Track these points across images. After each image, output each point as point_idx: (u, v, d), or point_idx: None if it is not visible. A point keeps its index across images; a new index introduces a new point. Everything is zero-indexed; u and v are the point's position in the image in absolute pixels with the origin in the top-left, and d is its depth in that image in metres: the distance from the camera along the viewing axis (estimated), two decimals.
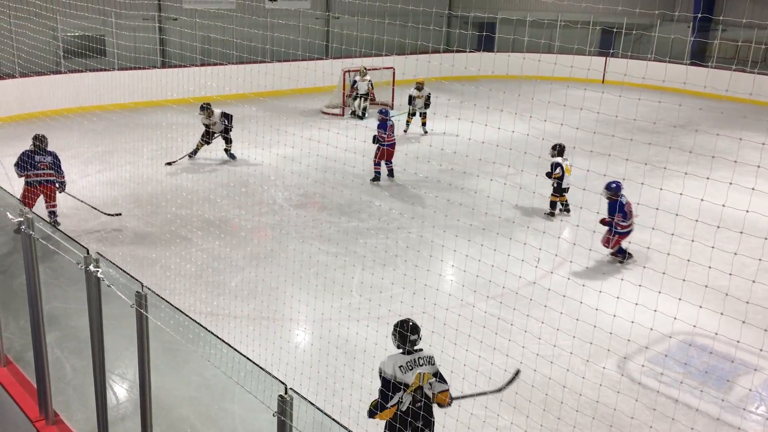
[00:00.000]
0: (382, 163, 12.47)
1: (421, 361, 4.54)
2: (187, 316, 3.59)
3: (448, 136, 14.25)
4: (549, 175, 10.78)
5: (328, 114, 18.11)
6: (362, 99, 17.77)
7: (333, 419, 2.83)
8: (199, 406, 5.82)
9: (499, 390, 5.67)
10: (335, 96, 18.69)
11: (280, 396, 2.67)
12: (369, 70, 17.94)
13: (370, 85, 17.83)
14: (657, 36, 23.32)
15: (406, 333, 4.56)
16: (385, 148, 12.34)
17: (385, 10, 21.27)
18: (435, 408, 4.65)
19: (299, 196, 11.58)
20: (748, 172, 11.35)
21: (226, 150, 13.87)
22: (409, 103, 16.73)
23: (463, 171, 12.65)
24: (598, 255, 8.92)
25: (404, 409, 4.48)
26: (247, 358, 3.05)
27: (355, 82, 17.82)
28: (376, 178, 12.50)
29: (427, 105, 16.62)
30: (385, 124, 12.27)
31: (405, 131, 16.91)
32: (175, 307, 3.64)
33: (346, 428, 2.90)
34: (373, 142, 12.33)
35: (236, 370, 3.17)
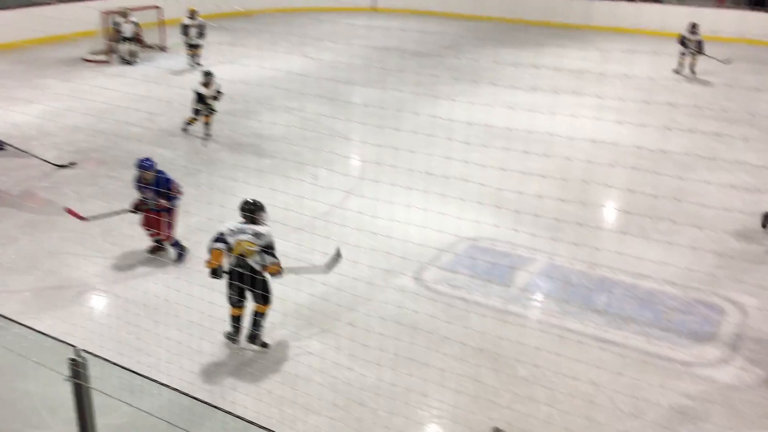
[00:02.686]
0: None
1: (248, 231, 5.61)
2: None
3: (225, 77, 13.78)
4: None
5: (93, 62, 16.64)
6: (129, 42, 16.52)
7: (137, 373, 2.75)
8: None
9: (328, 270, 5.96)
10: (98, 41, 17.18)
11: (71, 359, 2.52)
12: (131, 10, 16.66)
13: (136, 27, 16.58)
14: None
15: (241, 206, 5.79)
16: None
17: None
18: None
19: (71, 153, 10.64)
20: (510, 86, 12.42)
21: None
22: (184, 33, 15.86)
23: (247, 111, 12.41)
24: (386, 175, 9.31)
25: (228, 269, 5.64)
26: (30, 328, 2.83)
27: (117, 24, 16.49)
28: None
29: (201, 35, 15.89)
30: None
31: (190, 65, 16.01)
32: None
33: (152, 380, 2.84)
34: None
35: (18, 343, 2.93)
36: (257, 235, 5.62)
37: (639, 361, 5.81)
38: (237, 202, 6.01)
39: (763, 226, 7.85)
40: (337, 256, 6.04)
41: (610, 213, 9.01)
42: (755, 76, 15.32)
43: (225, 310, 5.92)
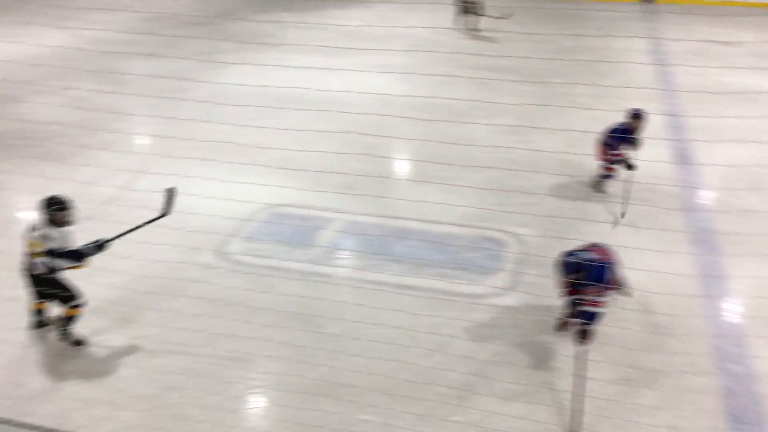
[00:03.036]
0: None
1: (38, 230, 5.17)
2: None
3: None
4: None
5: None
6: None
7: None
8: None
9: (168, 211, 5.70)
10: None
11: None
12: None
13: None
14: None
15: (40, 204, 5.20)
16: None
17: None
18: None
19: None
20: (293, 50, 12.42)
21: None
22: None
23: (9, 95, 11.23)
24: (175, 150, 8.98)
25: (26, 267, 5.26)
26: None
27: None
28: None
29: None
30: None
31: None
32: None
33: None
34: None
35: None
36: (45, 237, 5.17)
37: (437, 300, 6.26)
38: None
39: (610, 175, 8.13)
40: (170, 194, 5.78)
41: (398, 165, 9.46)
42: (526, 27, 16.58)
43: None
